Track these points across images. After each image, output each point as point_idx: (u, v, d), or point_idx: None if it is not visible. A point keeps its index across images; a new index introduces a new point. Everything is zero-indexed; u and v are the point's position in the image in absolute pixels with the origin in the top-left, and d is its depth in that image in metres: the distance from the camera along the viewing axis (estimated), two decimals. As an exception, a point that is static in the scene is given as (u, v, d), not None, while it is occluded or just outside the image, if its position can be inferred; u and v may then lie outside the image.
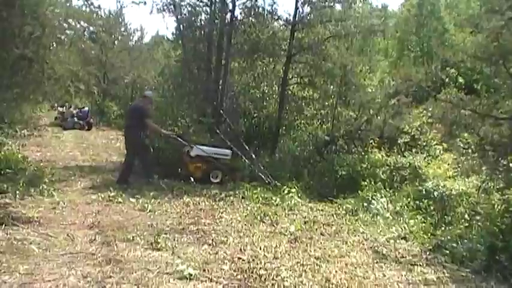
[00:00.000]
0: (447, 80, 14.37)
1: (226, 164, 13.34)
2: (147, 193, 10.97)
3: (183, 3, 16.87)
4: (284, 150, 15.16)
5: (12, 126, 17.46)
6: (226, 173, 13.13)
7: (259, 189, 11.82)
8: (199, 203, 10.36)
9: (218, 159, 13.18)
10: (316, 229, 8.69)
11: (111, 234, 7.34)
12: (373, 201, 10.72)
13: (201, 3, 16.95)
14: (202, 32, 16.84)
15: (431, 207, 10.35)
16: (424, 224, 9.30)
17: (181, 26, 16.92)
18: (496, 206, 9.43)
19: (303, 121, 17.13)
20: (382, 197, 10.93)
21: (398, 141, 15.53)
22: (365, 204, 10.71)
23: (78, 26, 13.02)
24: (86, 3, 15.06)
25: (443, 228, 9.02)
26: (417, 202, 10.70)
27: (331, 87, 17.23)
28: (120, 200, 10.08)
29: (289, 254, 7.01)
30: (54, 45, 11.39)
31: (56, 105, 26.61)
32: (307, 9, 16.26)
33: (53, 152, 16.16)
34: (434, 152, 15.05)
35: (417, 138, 15.57)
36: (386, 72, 23.47)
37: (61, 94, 12.47)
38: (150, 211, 9.30)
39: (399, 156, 14.12)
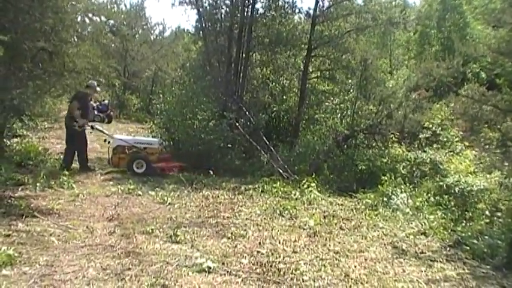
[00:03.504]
0: (469, 75, 14.26)
1: (153, 154, 13.13)
2: (167, 186, 11.03)
3: (204, -4, 16.90)
4: (304, 144, 15.09)
5: (33, 118, 17.56)
6: (147, 161, 12.74)
7: (278, 183, 11.81)
8: (218, 196, 10.39)
9: (144, 148, 13.01)
10: (336, 224, 8.68)
11: (131, 227, 7.39)
12: (393, 196, 10.66)
13: (222, -3, 16.98)
14: (223, 25, 16.83)
15: (452, 203, 10.26)
16: (444, 220, 9.22)
17: (202, 19, 16.91)
18: (517, 202, 9.35)
19: (323, 115, 17.05)
20: (402, 192, 10.86)
21: (419, 136, 15.40)
22: (385, 199, 10.66)
23: (99, 20, 13.06)
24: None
25: (463, 224, 8.93)
26: (437, 198, 10.61)
27: (350, 81, 17.17)
28: (139, 192, 10.14)
29: (308, 248, 7.01)
30: (75, 39, 11.44)
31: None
32: (327, 2, 16.21)
33: (73, 145, 16.26)
34: (456, 148, 14.90)
35: (438, 134, 15.42)
36: (407, 67, 23.28)
37: (81, 87, 12.54)
38: (169, 204, 9.35)
39: (420, 151, 13.99)
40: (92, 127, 12.76)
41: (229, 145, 14.30)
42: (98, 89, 13.66)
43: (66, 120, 12.52)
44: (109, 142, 12.94)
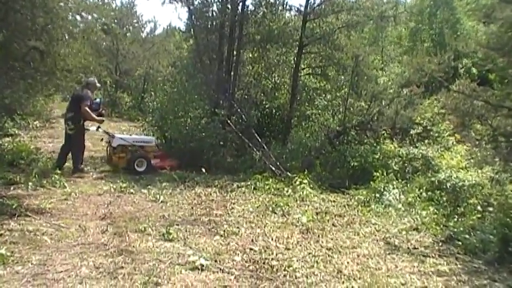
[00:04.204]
0: (462, 70, 14.32)
1: (150, 152, 13.15)
2: (159, 184, 11.02)
3: (195, -6, 16.84)
4: (296, 141, 15.11)
5: (25, 117, 17.53)
6: (148, 160, 12.80)
7: (271, 180, 11.81)
8: (211, 194, 10.41)
9: (142, 147, 13.03)
10: (328, 220, 8.70)
11: (123, 225, 7.39)
12: (385, 192, 10.70)
13: (213, -6, 16.92)
14: (214, 23, 16.79)
15: (444, 198, 10.31)
16: (436, 215, 9.27)
17: (193, 16, 16.86)
18: (509, 197, 9.39)
19: (314, 112, 17.07)
20: (394, 188, 10.90)
21: (411, 132, 15.46)
22: (377, 195, 10.69)
23: (90, 18, 13.02)
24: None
25: (455, 220, 8.98)
26: (429, 193, 10.67)
27: (342, 78, 17.19)
28: (132, 190, 10.15)
29: (301, 245, 7.03)
30: (66, 38, 11.42)
31: (68, 96, 26.62)
32: (318, -1, 16.24)
33: (65, 143, 16.22)
34: (447, 143, 14.96)
35: (429, 129, 15.48)
36: (399, 62, 23.35)
37: (73, 86, 12.48)
38: (162, 202, 9.35)
39: (411, 147, 14.04)
40: (98, 128, 12.70)
41: (221, 143, 14.30)
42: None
43: (68, 121, 12.43)
44: (108, 141, 12.93)
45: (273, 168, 12.66)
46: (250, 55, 17.54)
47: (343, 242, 7.40)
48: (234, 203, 9.67)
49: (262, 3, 16.52)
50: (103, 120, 12.83)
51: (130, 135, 14.55)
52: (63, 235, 6.73)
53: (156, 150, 13.63)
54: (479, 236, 7.54)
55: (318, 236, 7.62)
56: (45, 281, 5.12)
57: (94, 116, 12.27)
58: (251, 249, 6.68)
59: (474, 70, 23.29)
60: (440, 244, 7.60)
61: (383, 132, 15.26)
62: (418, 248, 7.33)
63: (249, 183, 11.64)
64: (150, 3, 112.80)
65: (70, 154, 12.25)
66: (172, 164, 13.24)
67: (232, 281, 5.47)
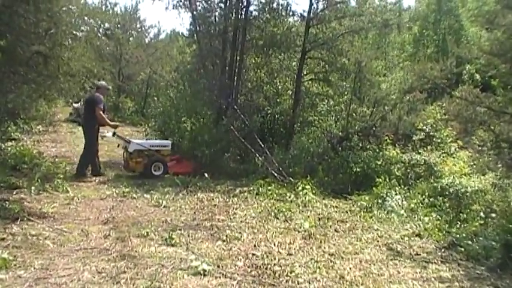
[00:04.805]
0: (465, 76, 14.34)
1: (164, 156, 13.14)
2: (162, 189, 11.02)
3: (198, -1, 16.85)
4: (299, 147, 15.09)
5: (28, 122, 17.54)
6: (165, 164, 12.86)
7: (273, 185, 11.79)
8: (213, 199, 10.40)
9: (159, 151, 13.00)
10: (331, 226, 8.69)
11: (126, 230, 7.40)
12: (387, 198, 10.68)
13: (216, -1, 16.93)
14: (217, 28, 16.80)
15: (446, 205, 10.30)
16: (438, 221, 9.25)
17: (196, 22, 16.89)
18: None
19: (317, 117, 17.04)
20: (396, 194, 10.89)
21: (413, 138, 15.46)
22: (379, 201, 10.67)
23: (93, 22, 13.04)
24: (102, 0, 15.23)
25: (458, 226, 8.97)
26: (432, 199, 10.66)
27: (344, 83, 17.18)
28: (134, 195, 10.15)
29: (303, 251, 7.02)
30: (70, 42, 11.44)
31: (70, 101, 26.65)
32: (321, 5, 16.20)
33: (68, 148, 16.21)
34: (450, 149, 14.97)
35: (432, 135, 15.49)
36: (402, 68, 23.39)
37: (76, 90, 12.49)
38: (164, 207, 9.35)
39: (414, 153, 14.03)
40: (114, 133, 12.72)
41: (224, 148, 14.30)
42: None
43: (85, 125, 12.51)
44: (124, 147, 12.94)
45: (276, 174, 12.64)
46: (253, 60, 17.52)
47: (346, 247, 7.38)
48: (236, 208, 9.66)
49: (266, 9, 16.50)
50: (117, 125, 12.86)
51: (147, 139, 14.60)
52: (66, 239, 6.74)
53: (172, 154, 13.65)
54: (482, 242, 7.53)
55: (320, 241, 7.61)
56: (47, 285, 5.13)
57: (108, 121, 12.34)
58: (253, 254, 6.67)
59: (477, 76, 23.33)
60: (442, 250, 7.59)
61: (385, 138, 15.24)
62: (420, 254, 7.32)
63: (251, 188, 11.63)
64: (154, 8, 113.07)
65: (79, 158, 12.34)
66: (191, 166, 13.31)
67: (234, 286, 5.46)
